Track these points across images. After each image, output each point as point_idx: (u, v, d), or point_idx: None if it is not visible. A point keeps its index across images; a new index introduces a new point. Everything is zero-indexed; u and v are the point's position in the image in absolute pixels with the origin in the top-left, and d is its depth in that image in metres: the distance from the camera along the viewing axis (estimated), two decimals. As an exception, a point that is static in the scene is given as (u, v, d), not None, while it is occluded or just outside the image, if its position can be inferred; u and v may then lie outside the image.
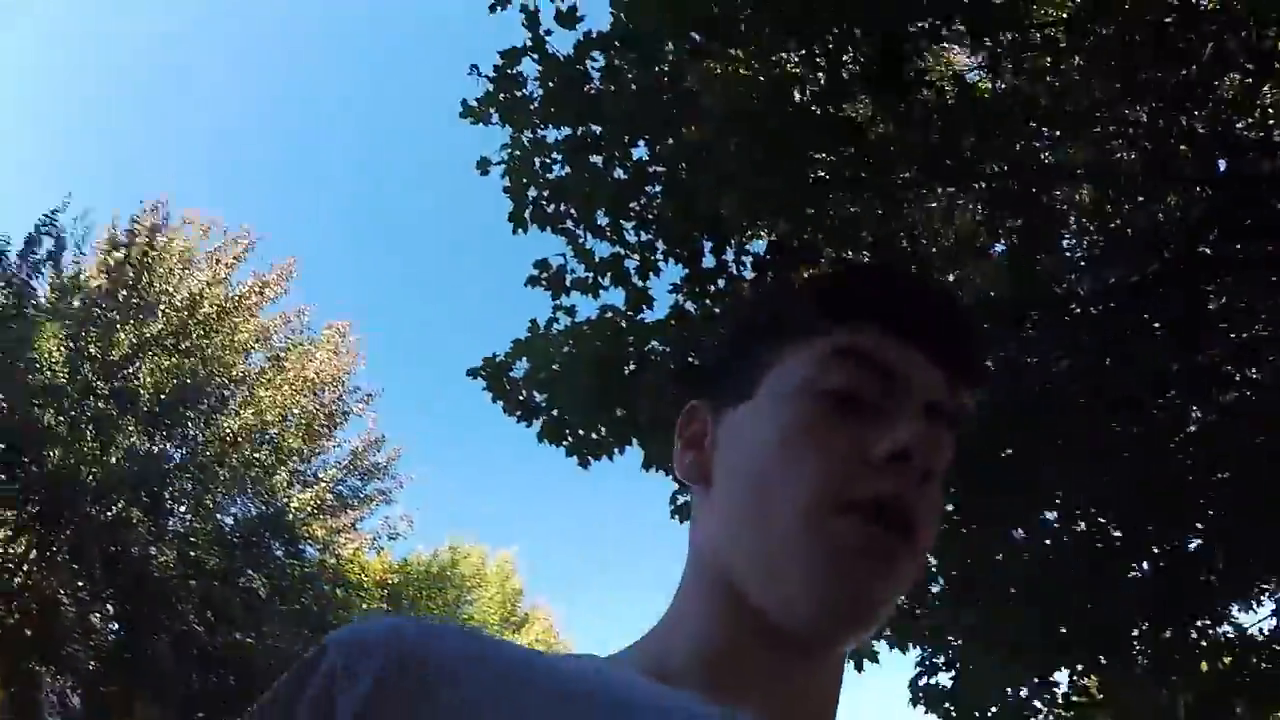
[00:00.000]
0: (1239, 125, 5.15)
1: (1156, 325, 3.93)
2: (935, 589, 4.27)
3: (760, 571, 0.48)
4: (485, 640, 0.45)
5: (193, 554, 10.57)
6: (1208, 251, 3.92)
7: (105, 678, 9.99)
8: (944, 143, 3.34)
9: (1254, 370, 4.80)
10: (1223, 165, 4.67)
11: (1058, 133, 4.53)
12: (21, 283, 10.00)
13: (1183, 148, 3.91)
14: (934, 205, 3.96)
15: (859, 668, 3.85)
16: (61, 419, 9.83)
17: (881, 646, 3.90)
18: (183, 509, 10.87)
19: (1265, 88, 5.17)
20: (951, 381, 0.51)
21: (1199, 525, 4.70)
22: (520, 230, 3.92)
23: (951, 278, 4.44)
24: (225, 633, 10.39)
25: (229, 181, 28.30)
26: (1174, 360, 3.99)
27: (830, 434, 0.48)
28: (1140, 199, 4.61)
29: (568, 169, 3.63)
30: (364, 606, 13.80)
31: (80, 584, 10.21)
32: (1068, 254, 4.87)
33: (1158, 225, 4.57)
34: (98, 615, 10.66)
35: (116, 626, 10.59)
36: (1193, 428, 4.63)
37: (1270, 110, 5.14)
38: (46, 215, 10.32)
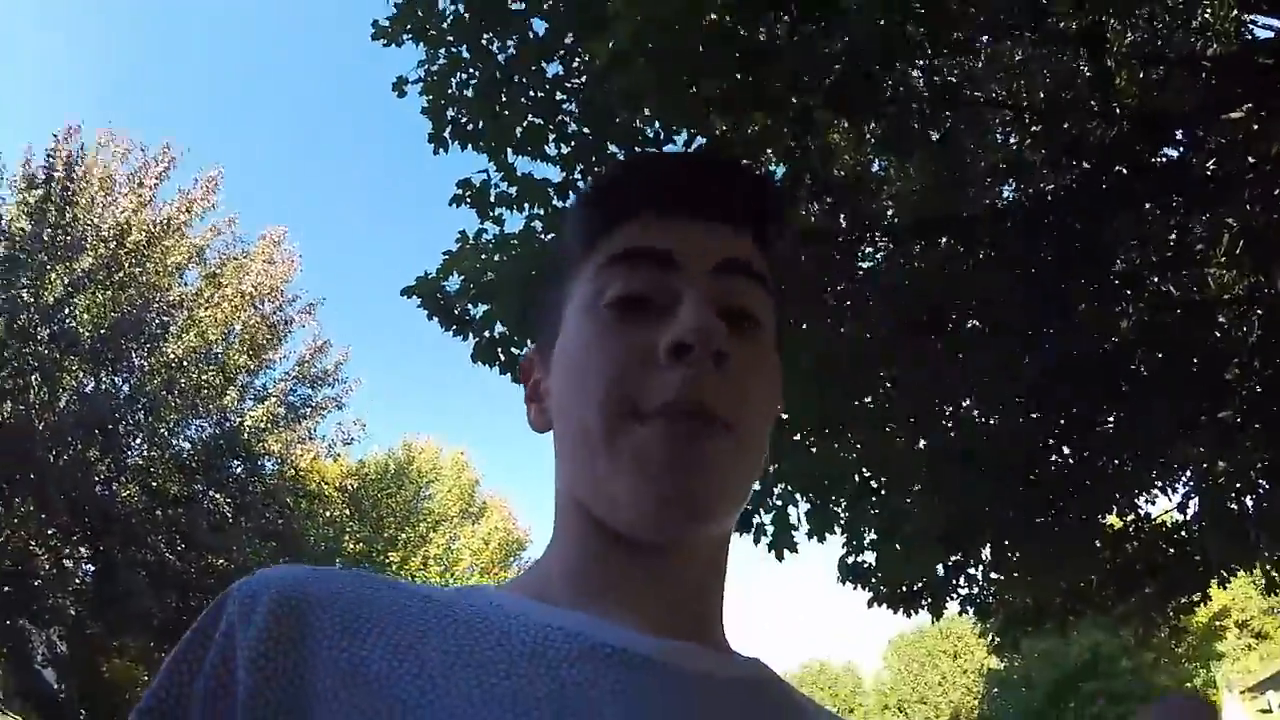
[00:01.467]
0: (1171, 41, 5.20)
1: (1063, 238, 4.09)
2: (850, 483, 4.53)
3: (590, 486, 0.49)
4: (369, 579, 0.47)
5: (154, 484, 10.59)
6: (1121, 171, 4.04)
7: (87, 620, 10.11)
8: (855, 70, 3.38)
9: (1171, 288, 5.03)
10: (1143, 81, 4.76)
11: (980, 55, 4.57)
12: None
13: (1099, 80, 3.97)
14: (845, 127, 4.03)
15: (779, 557, 4.16)
16: (4, 371, 9.63)
17: (801, 537, 4.20)
18: (138, 441, 10.77)
19: (1201, 6, 5.18)
20: (741, 233, 0.51)
21: (1108, 419, 5.02)
22: (441, 150, 3.92)
23: (870, 192, 4.56)
24: (196, 557, 10.55)
25: (144, 99, 26.73)
26: (1080, 273, 4.18)
27: (615, 344, 0.48)
28: (1059, 124, 4.69)
29: (478, 89, 3.60)
30: (327, 514, 14.07)
31: (50, 532, 10.23)
32: (986, 168, 4.99)
33: (1077, 139, 4.67)
34: (71, 560, 10.72)
35: (91, 568, 10.62)
36: (1108, 338, 4.88)
37: (1205, 29, 5.19)
38: (-42, 161, 9.79)
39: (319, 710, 0.40)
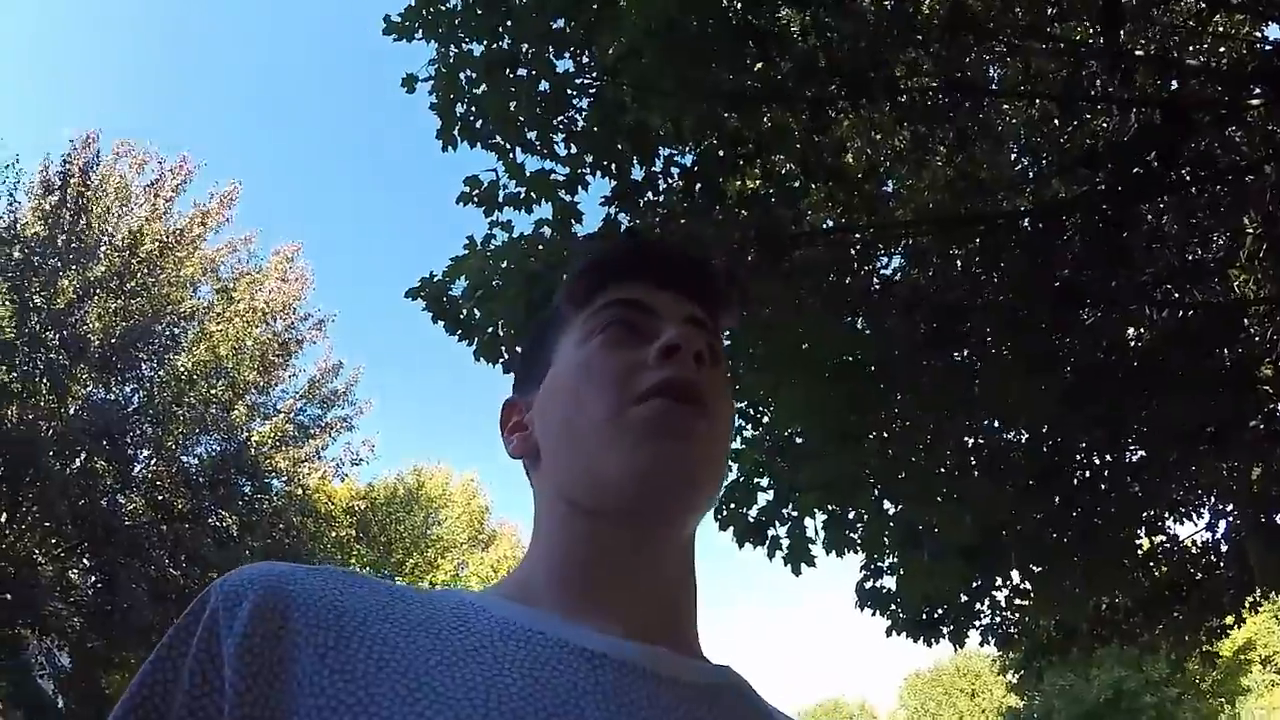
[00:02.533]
0: (1188, 50, 5.15)
1: (1085, 240, 3.99)
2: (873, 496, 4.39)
3: (583, 472, 0.54)
4: (352, 578, 0.48)
5: (160, 498, 10.56)
6: (1140, 172, 3.96)
7: (89, 632, 10.04)
8: (869, 55, 3.30)
9: (1197, 291, 4.92)
10: (1160, 88, 4.68)
11: (994, 47, 4.50)
12: (-42, 238, 9.64)
13: (1114, 67, 3.90)
14: (863, 117, 3.94)
15: (796, 570, 4.00)
16: (14, 374, 9.63)
17: (819, 551, 4.03)
18: (146, 453, 10.78)
19: (1217, 17, 5.16)
20: (701, 303, 0.61)
21: (1134, 440, 4.86)
22: (450, 148, 3.84)
23: (889, 188, 4.46)
24: (200, 574, 10.45)
25: (162, 111, 27.20)
26: (1101, 276, 4.07)
27: (613, 354, 0.56)
28: (1075, 121, 4.62)
29: (488, 85, 3.53)
30: (334, 535, 13.94)
31: (53, 541, 10.18)
32: (1004, 170, 4.90)
33: (1093, 144, 4.60)
34: (74, 570, 10.66)
35: (94, 579, 10.60)
36: (1133, 344, 4.76)
37: (1220, 40, 5.15)
38: (-24, 165, 9.91)
39: (305, 707, 0.40)
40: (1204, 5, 4.86)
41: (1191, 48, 5.23)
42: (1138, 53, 4.76)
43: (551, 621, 0.49)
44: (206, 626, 0.44)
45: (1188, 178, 4.24)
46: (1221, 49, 5.24)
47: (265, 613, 0.43)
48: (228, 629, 0.43)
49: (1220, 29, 5.27)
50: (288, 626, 0.43)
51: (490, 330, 3.59)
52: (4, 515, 9.82)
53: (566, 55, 3.60)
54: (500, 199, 3.67)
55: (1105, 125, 5.09)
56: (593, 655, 0.47)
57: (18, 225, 10.29)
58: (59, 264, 10.09)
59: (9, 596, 9.33)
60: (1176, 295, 4.86)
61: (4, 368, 9.50)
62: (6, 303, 9.74)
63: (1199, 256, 5.03)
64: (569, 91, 3.55)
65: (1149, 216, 4.67)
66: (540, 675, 0.44)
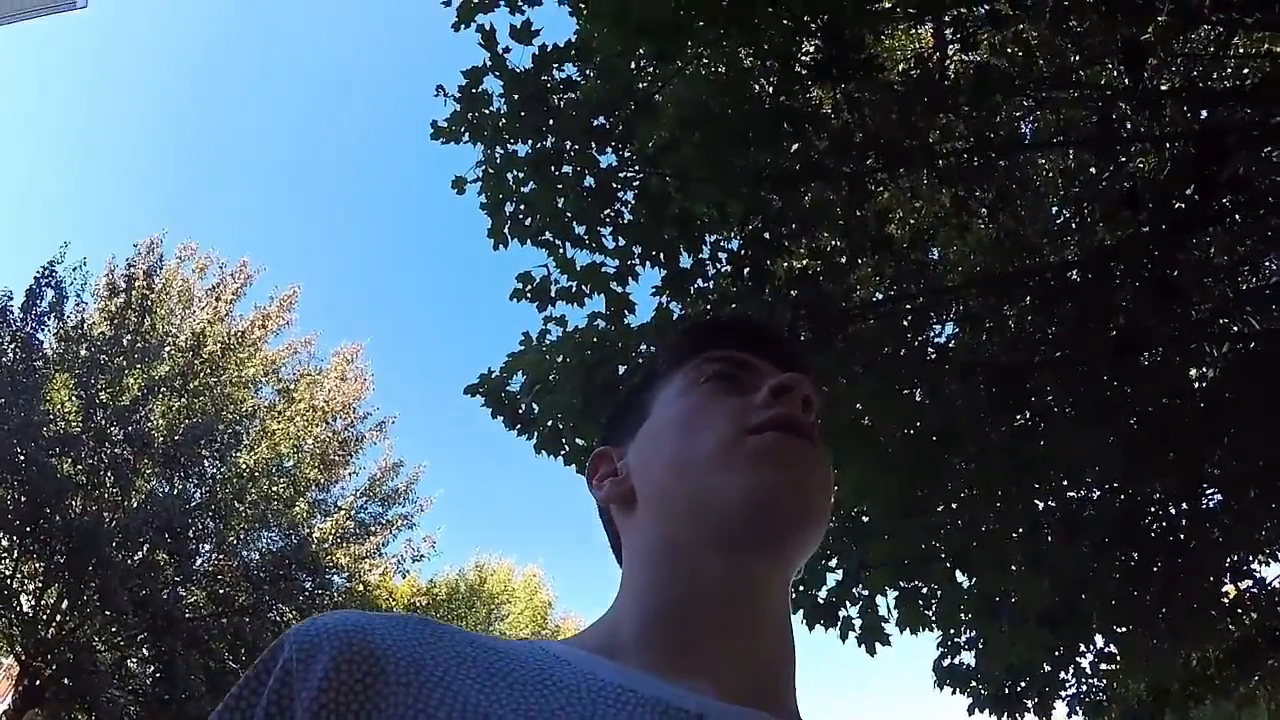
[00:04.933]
0: (1213, 77, 5.14)
1: (1136, 284, 3.93)
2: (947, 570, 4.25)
3: (695, 502, 0.52)
4: (432, 627, 0.47)
5: (221, 591, 10.69)
6: (1181, 207, 3.91)
7: (145, 720, 10.13)
8: (903, 124, 3.36)
9: (1256, 320, 4.78)
10: (1192, 120, 4.67)
11: (1023, 102, 4.54)
12: (28, 335, 10.15)
13: (1143, 105, 3.90)
14: (903, 186, 3.97)
15: (871, 651, 3.86)
16: (79, 467, 9.97)
17: (892, 629, 3.90)
18: (207, 547, 10.98)
19: (1235, 39, 5.16)
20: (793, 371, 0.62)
21: (1209, 484, 4.67)
22: (500, 246, 3.96)
23: (935, 255, 4.46)
24: (259, 668, 10.45)
25: (220, 216, 28.61)
26: (1156, 318, 3.99)
27: (722, 397, 0.58)
28: (1111, 165, 4.60)
29: (535, 183, 3.66)
30: None
31: (113, 629, 10.33)
32: (1048, 223, 4.87)
33: (1132, 186, 4.57)
34: (133, 660, 10.77)
35: (152, 669, 10.68)
36: (1197, 384, 4.62)
37: (1244, 61, 5.13)
38: (44, 267, 10.51)
39: None
40: (1222, 30, 4.84)
41: (1215, 74, 5.20)
42: (1164, 87, 4.75)
43: (640, 678, 0.46)
44: (279, 679, 0.42)
45: (1229, 205, 4.16)
46: (1245, 70, 5.20)
47: (343, 666, 0.41)
48: (302, 683, 0.41)
49: (1241, 50, 5.23)
50: (366, 682, 0.41)
51: (549, 424, 3.62)
52: (65, 602, 10.02)
53: (609, 150, 3.72)
54: (553, 294, 3.75)
55: (1142, 165, 5.05)
56: (687, 715, 0.43)
57: (85, 325, 10.83)
58: (124, 363, 10.54)
59: (68, 682, 9.45)
60: (1235, 328, 4.73)
61: (70, 460, 9.83)
62: (73, 398, 10.16)
63: (1252, 284, 4.90)
64: (614, 185, 3.66)
65: (1196, 251, 4.58)
66: None
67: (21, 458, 9.40)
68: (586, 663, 0.47)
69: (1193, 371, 4.70)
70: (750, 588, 0.50)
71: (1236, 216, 4.31)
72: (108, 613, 9.96)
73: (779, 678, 0.51)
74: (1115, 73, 4.64)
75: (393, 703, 0.40)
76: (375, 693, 0.41)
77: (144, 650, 10.72)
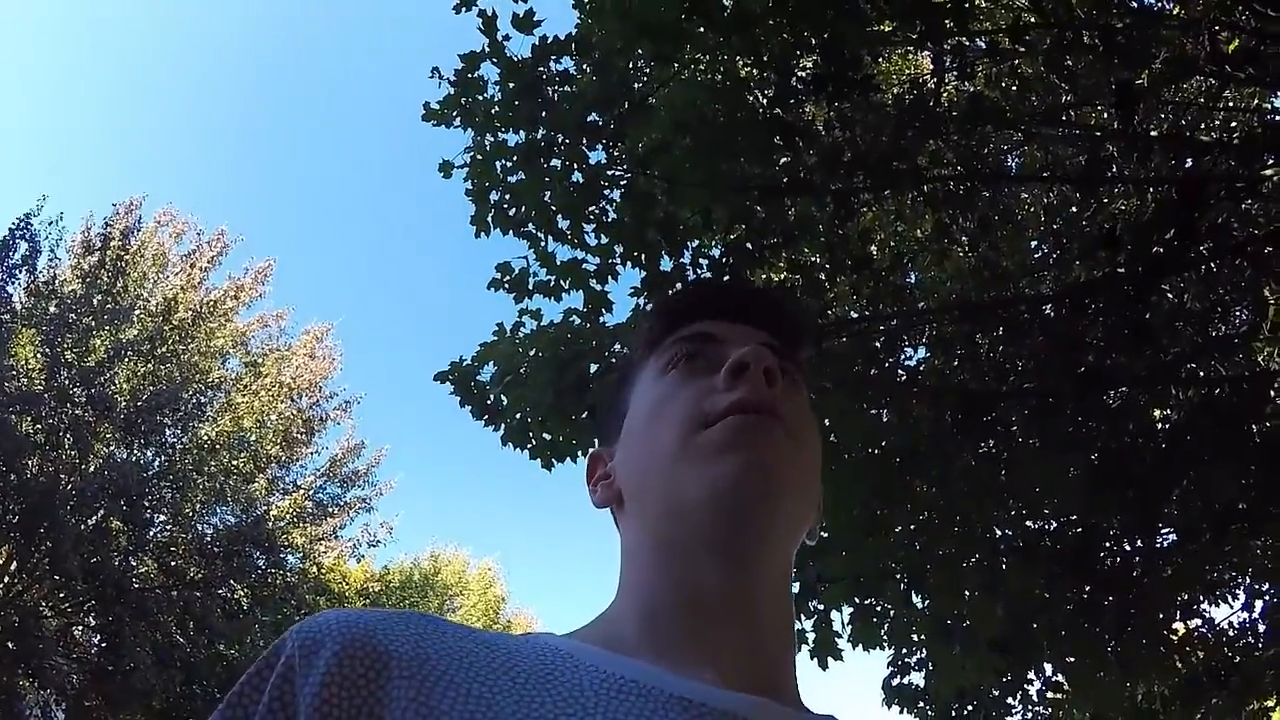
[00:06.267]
0: (1201, 127, 5.27)
1: (1108, 323, 4.00)
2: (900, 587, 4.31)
3: (665, 504, 0.52)
4: (434, 623, 0.47)
5: (173, 564, 10.51)
6: (1159, 251, 3.99)
7: (88, 690, 9.90)
8: (893, 146, 3.39)
9: (1223, 367, 4.89)
10: (1176, 166, 4.78)
11: (1012, 135, 4.62)
12: (-3, 287, 9.94)
13: (1131, 148, 3.99)
14: (888, 208, 4.02)
15: (823, 665, 3.88)
16: (39, 426, 9.75)
17: (845, 646, 3.93)
18: (162, 518, 10.79)
19: (1226, 91, 5.29)
20: (776, 336, 0.59)
21: (1165, 523, 4.76)
22: (483, 234, 3.94)
23: (913, 278, 4.51)
24: (206, 643, 10.32)
25: (203, 183, 28.16)
26: (1125, 357, 4.07)
27: (684, 385, 0.56)
28: (1094, 204, 4.69)
29: (523, 174, 3.65)
30: None
31: (61, 595, 10.12)
32: (1026, 256, 4.96)
33: (1112, 227, 4.66)
34: (80, 628, 10.56)
35: (99, 638, 10.49)
36: (1160, 425, 4.72)
37: (1232, 114, 5.26)
38: (20, 219, 10.26)
39: None
40: (1214, 81, 4.96)
41: (1204, 124, 5.33)
42: (1153, 132, 4.86)
43: (643, 669, 0.46)
44: (281, 674, 0.42)
45: (1206, 253, 4.26)
46: (1234, 123, 5.33)
47: (346, 661, 0.41)
48: (304, 678, 0.41)
49: (1231, 103, 5.36)
50: (369, 677, 0.41)
51: (518, 416, 3.61)
52: (14, 564, 9.80)
53: (599, 147, 3.71)
54: (531, 286, 3.74)
55: (1124, 206, 5.16)
56: (690, 704, 0.43)
57: (56, 281, 10.60)
58: (93, 323, 10.33)
59: (11, 645, 9.24)
60: (1201, 373, 4.83)
61: (29, 419, 9.62)
62: (38, 355, 9.93)
63: (1222, 332, 5.00)
64: (601, 182, 3.66)
65: (1170, 295, 4.68)
66: None
67: (-20, 413, 9.19)
68: (590, 656, 0.47)
69: (1156, 412, 4.80)
70: (744, 579, 0.50)
71: (1212, 264, 4.41)
72: (57, 577, 9.75)
73: (780, 661, 0.51)
74: (1106, 114, 4.74)
75: (396, 697, 0.40)
76: (379, 688, 0.41)
77: (91, 619, 10.52)
